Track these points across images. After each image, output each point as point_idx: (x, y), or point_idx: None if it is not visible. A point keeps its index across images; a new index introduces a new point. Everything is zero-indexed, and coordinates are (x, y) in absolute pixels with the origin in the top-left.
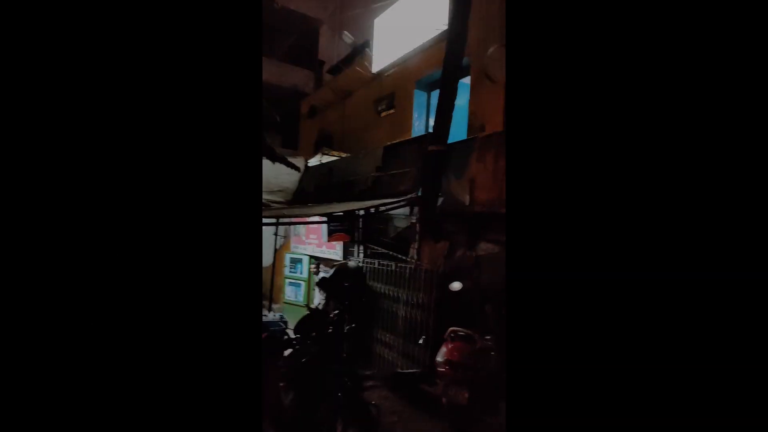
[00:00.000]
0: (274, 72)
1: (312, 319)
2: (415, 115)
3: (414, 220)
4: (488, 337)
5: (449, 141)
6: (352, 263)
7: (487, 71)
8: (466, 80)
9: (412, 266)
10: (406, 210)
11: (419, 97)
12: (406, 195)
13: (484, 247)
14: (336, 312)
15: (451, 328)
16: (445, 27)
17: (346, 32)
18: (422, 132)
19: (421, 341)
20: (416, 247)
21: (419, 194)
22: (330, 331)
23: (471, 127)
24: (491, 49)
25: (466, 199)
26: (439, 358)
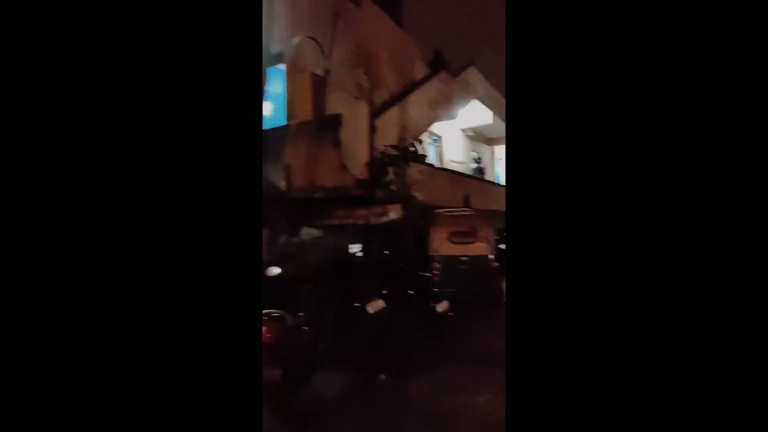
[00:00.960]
0: None
1: None
2: None
3: None
4: (301, 314)
5: (264, 128)
6: None
7: (294, 60)
8: (284, 67)
9: None
10: None
11: None
12: None
13: (307, 232)
14: None
15: (264, 311)
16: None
17: None
18: None
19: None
20: None
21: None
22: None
23: (288, 116)
24: (297, 39)
25: (283, 185)
26: None
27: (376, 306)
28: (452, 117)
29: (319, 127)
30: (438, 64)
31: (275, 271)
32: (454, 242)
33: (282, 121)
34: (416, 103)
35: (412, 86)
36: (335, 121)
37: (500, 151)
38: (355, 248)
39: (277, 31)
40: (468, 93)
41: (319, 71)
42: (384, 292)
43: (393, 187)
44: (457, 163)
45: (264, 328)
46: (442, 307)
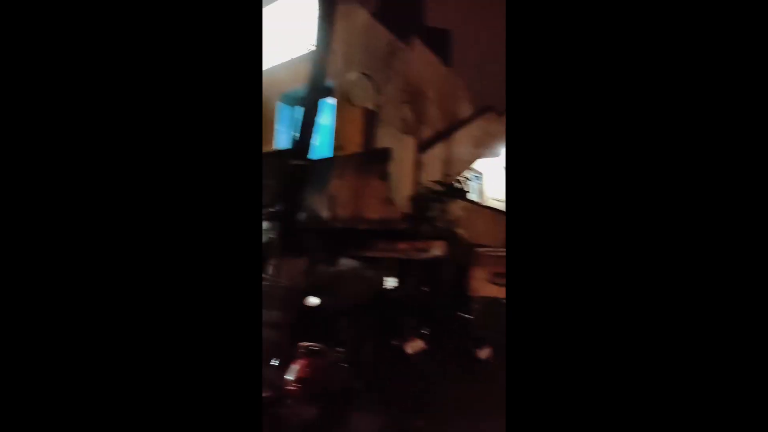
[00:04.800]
0: None
1: None
2: (279, 128)
3: (273, 235)
4: (340, 350)
5: (312, 157)
6: None
7: (348, 95)
8: (334, 101)
9: (270, 283)
10: (265, 224)
11: (284, 111)
12: (266, 208)
13: (344, 263)
14: None
15: (301, 344)
16: (312, 46)
17: None
18: (286, 146)
19: (275, 362)
20: (275, 263)
21: (279, 208)
22: None
23: (336, 147)
24: (351, 75)
25: (326, 214)
26: (289, 377)
27: (415, 346)
28: (495, 155)
29: (368, 159)
30: (483, 103)
31: (314, 301)
32: (496, 283)
33: (328, 152)
34: (461, 141)
35: (458, 124)
36: (384, 154)
37: None
38: (394, 282)
39: (332, 67)
40: None
41: (371, 106)
42: (423, 332)
43: (436, 223)
44: (498, 201)
45: (302, 362)
46: (484, 353)
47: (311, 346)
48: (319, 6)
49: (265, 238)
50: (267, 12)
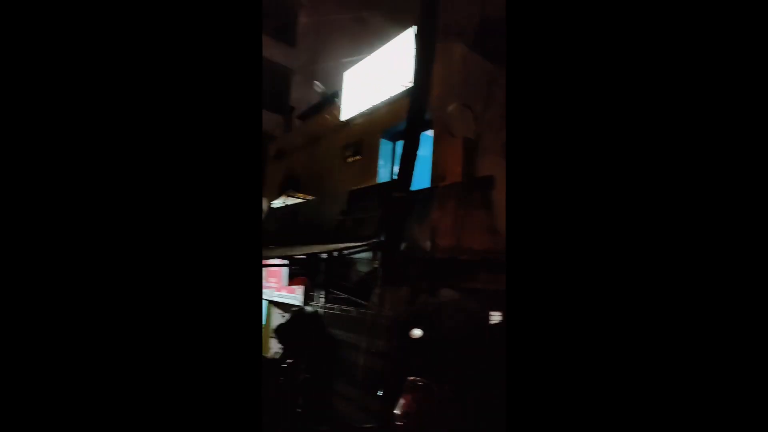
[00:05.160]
0: None
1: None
2: (380, 162)
3: (377, 265)
4: (447, 387)
5: (412, 189)
6: (309, 308)
7: (447, 127)
8: (431, 133)
9: (374, 312)
10: (369, 254)
11: (385, 146)
12: (369, 239)
13: (446, 294)
14: (289, 361)
15: (410, 378)
16: (410, 84)
17: (317, 82)
18: (387, 179)
19: (380, 393)
20: (378, 292)
21: (382, 239)
22: (281, 381)
23: (434, 177)
24: (450, 107)
25: (428, 245)
26: (397, 411)
27: None
28: None
29: (469, 188)
30: None
31: (418, 333)
32: None
33: (429, 183)
34: None
35: None
36: (488, 182)
37: None
38: (497, 316)
39: (431, 101)
40: None
41: (471, 135)
42: None
43: None
44: None
45: (408, 397)
46: None
47: (417, 380)
48: (416, 46)
49: (368, 268)
50: (369, 59)
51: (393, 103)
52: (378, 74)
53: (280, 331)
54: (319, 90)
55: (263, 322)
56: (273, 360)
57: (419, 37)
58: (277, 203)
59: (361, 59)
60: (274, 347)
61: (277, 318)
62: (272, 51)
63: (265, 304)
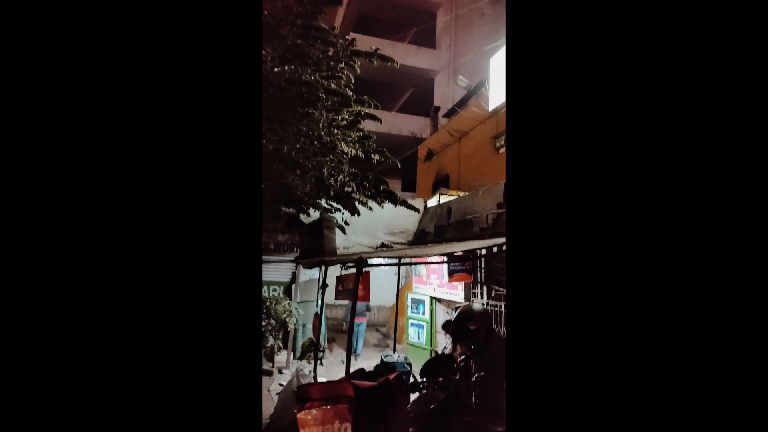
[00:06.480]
0: (393, 123)
1: (438, 364)
2: None
3: None
4: None
5: None
6: (476, 305)
7: None
8: None
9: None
10: None
11: None
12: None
13: None
14: (462, 357)
15: None
16: None
17: (461, 76)
18: None
19: None
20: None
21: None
22: (457, 377)
23: None
24: None
25: None
26: None
27: None
28: None
29: None
30: None
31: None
32: None
33: None
34: None
35: None
36: None
37: None
38: None
39: None
40: None
41: None
42: None
43: None
44: None
45: None
46: None
47: None
48: None
49: None
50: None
51: None
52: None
53: (449, 327)
54: (462, 84)
55: (428, 318)
56: (445, 355)
57: None
58: (432, 202)
59: (504, 43)
60: (441, 342)
61: (441, 314)
62: (416, 58)
63: (428, 300)
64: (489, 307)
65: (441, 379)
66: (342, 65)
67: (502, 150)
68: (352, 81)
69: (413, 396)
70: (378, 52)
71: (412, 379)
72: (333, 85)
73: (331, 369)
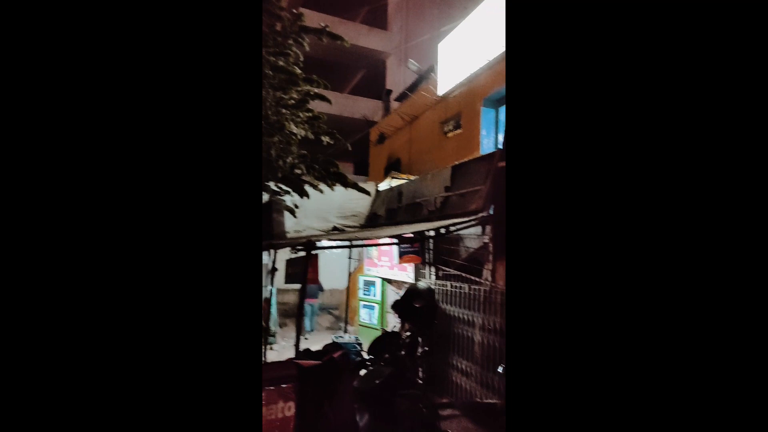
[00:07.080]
0: (344, 104)
1: (385, 341)
2: (483, 132)
3: (487, 240)
4: None
5: None
6: (422, 284)
7: None
8: None
9: (487, 288)
10: (478, 229)
11: (487, 114)
12: (477, 214)
13: None
14: (408, 334)
15: None
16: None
17: (411, 60)
18: (492, 149)
19: (500, 369)
20: (490, 267)
21: (491, 213)
22: (403, 353)
23: None
24: None
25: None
26: None
27: None
28: None
29: None
30: None
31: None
32: None
33: None
34: None
35: None
36: None
37: None
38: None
39: None
40: None
41: None
42: None
43: None
44: None
45: None
46: None
47: None
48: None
49: (478, 244)
50: (465, 22)
51: (491, 68)
52: (473, 40)
53: (397, 307)
54: (413, 68)
55: (379, 300)
56: (392, 333)
57: None
58: (383, 186)
59: (454, 27)
60: (392, 322)
61: (392, 295)
62: (367, 39)
63: (379, 281)
64: (435, 287)
65: (387, 355)
66: (290, 41)
67: (450, 134)
68: (301, 59)
69: (361, 373)
70: (327, 29)
71: (360, 358)
72: (280, 62)
73: (282, 354)
